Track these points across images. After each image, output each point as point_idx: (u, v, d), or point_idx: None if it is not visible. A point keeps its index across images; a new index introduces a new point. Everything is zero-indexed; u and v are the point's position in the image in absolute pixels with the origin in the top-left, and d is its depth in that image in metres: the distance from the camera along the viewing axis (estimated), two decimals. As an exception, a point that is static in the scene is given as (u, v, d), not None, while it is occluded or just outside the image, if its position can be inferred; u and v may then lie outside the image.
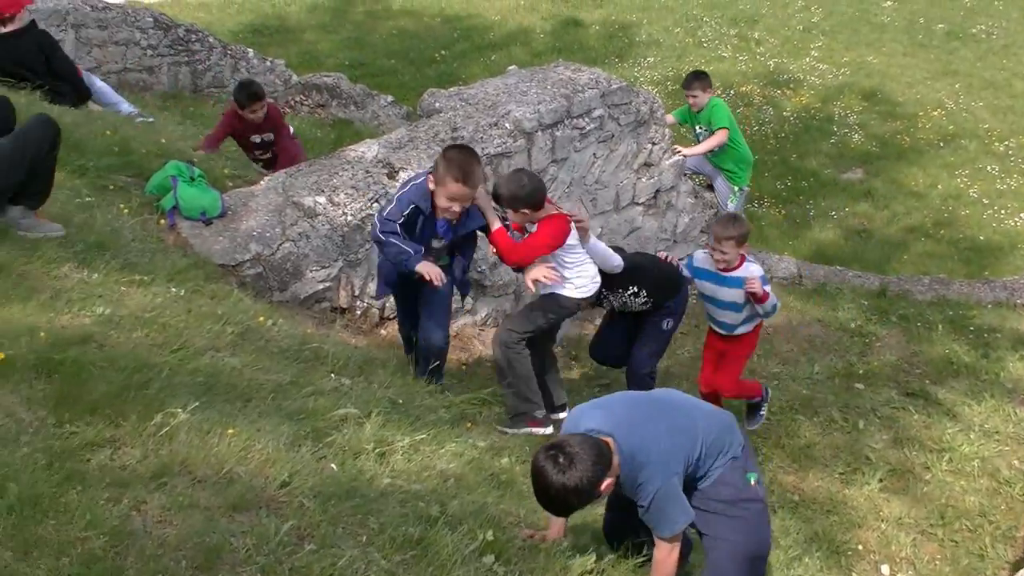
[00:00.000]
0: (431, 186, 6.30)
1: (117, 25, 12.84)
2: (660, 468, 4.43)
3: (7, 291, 5.03)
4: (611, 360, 8.12)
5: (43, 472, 3.81)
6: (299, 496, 4.11)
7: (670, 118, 10.65)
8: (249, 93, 9.49)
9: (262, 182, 7.94)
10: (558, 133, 8.93)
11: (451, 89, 9.36)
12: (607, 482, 4.32)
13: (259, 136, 9.68)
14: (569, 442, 4.25)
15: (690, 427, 4.63)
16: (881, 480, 8.00)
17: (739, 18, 20.99)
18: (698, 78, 10.81)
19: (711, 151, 10.80)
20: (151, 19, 13.18)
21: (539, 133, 8.75)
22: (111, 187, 7.33)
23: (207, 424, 4.35)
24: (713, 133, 10.66)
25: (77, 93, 9.14)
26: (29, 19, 9.07)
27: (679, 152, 10.43)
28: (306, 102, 13.95)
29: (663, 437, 4.48)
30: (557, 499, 4.23)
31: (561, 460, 4.17)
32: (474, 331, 8.64)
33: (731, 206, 10.84)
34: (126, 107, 9.92)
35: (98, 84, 10.02)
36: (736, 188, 10.97)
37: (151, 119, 9.74)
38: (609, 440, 4.39)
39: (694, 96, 10.70)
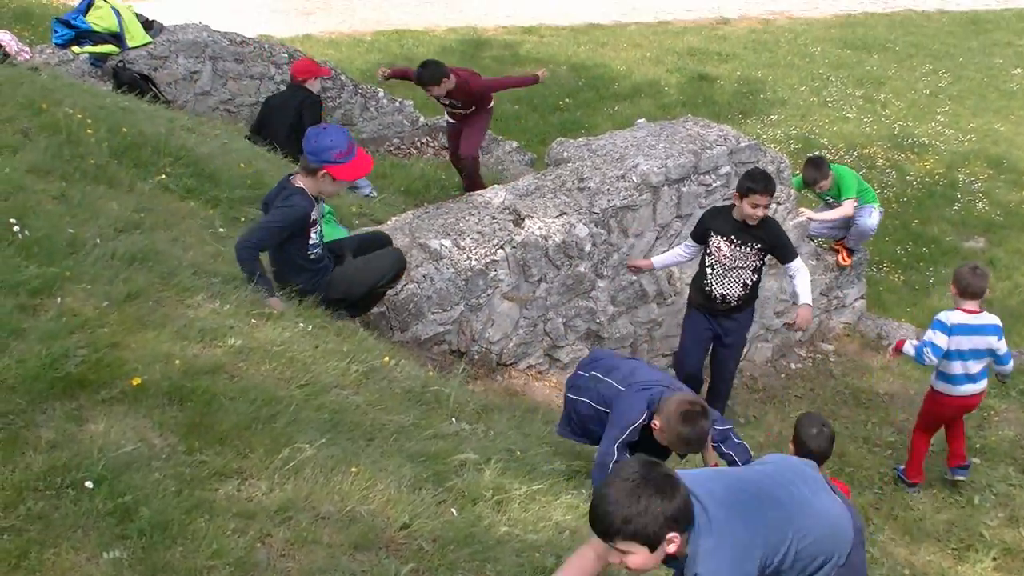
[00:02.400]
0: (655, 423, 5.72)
1: (253, 59, 13.15)
2: (727, 559, 3.66)
3: (143, 317, 5.14)
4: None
5: (173, 498, 3.88)
6: (419, 539, 4.12)
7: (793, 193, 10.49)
8: (418, 78, 10.43)
9: (390, 221, 8.05)
10: (684, 188, 8.90)
11: (579, 139, 9.39)
12: (671, 540, 3.54)
13: (447, 100, 10.65)
14: (665, 473, 3.56)
15: (782, 525, 3.88)
16: (995, 559, 7.77)
17: (865, 79, 20.75)
18: (817, 168, 10.38)
19: (838, 221, 10.66)
20: (286, 55, 13.46)
21: (665, 188, 8.73)
22: (243, 219, 7.49)
23: (332, 461, 4.40)
24: (841, 202, 10.48)
25: None
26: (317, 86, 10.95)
27: (804, 215, 10.31)
28: (432, 144, 14.09)
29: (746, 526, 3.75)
30: (600, 509, 3.49)
31: (649, 480, 3.49)
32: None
33: (876, 215, 10.75)
34: (367, 189, 10.65)
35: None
36: (876, 207, 10.77)
37: (376, 195, 10.47)
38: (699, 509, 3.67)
39: (820, 188, 10.43)
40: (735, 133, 9.66)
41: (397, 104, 14.28)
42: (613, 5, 24.53)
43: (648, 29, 23.09)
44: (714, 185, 9.13)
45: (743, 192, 7.59)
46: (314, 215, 6.35)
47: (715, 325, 8.20)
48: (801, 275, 7.94)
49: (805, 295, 7.93)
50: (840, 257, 10.94)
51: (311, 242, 6.40)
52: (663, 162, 8.79)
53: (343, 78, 14.02)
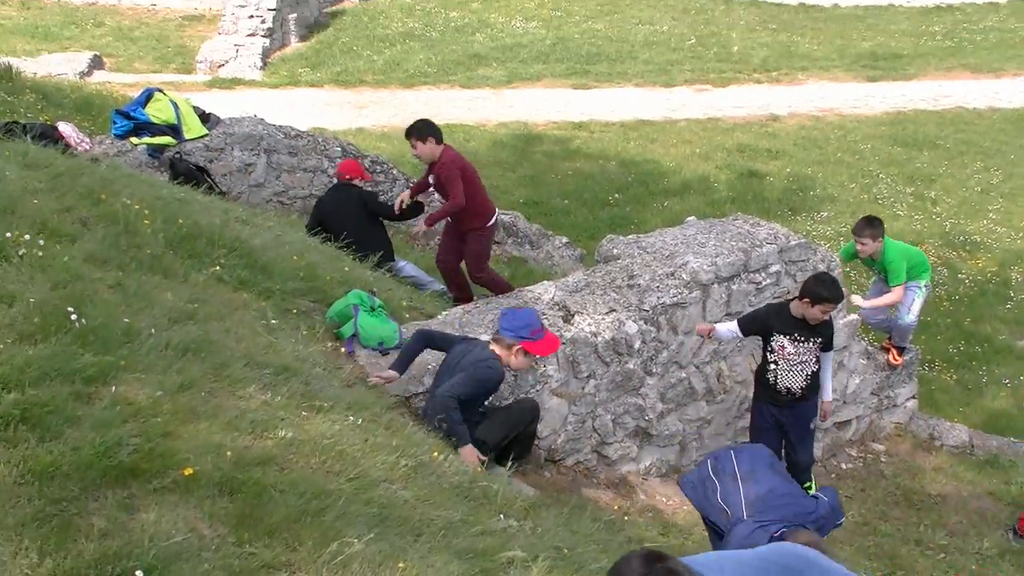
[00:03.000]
0: None
1: (307, 152, 13.39)
2: None
3: (196, 407, 5.19)
4: None
5: (223, 591, 3.90)
6: (466, 638, 4.10)
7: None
8: (406, 130, 9.92)
9: (440, 316, 8.11)
10: (734, 287, 8.91)
11: (629, 236, 9.45)
12: None
13: (430, 174, 10.03)
14: (668, 568, 3.43)
15: None
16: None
17: (916, 176, 20.75)
18: (870, 224, 10.31)
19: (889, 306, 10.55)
20: (339, 148, 13.70)
21: (715, 286, 8.75)
22: (295, 311, 7.57)
23: (380, 556, 4.40)
24: (890, 288, 10.39)
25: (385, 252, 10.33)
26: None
27: (855, 301, 10.21)
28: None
29: None
30: None
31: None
32: (637, 479, 8.57)
33: (917, 304, 10.55)
34: (436, 285, 10.73)
35: (408, 268, 10.95)
36: (921, 284, 10.57)
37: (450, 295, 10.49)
38: None
39: (863, 244, 10.27)
40: (785, 231, 9.68)
41: (447, 198, 14.47)
42: (662, 102, 24.77)
43: (698, 125, 23.28)
44: (764, 283, 9.13)
45: (815, 299, 7.88)
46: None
47: (781, 415, 8.43)
48: (830, 365, 8.51)
49: (828, 389, 8.53)
50: (890, 357, 10.86)
51: (480, 410, 7.11)
52: (713, 260, 8.81)
53: (395, 172, 14.22)
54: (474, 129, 22.37)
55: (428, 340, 7.31)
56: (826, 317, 8.05)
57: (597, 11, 31.75)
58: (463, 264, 10.26)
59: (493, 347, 7.05)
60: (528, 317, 7.03)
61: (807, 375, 8.27)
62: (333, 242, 9.89)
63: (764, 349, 8.33)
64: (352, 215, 10.55)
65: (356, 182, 10.97)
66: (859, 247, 10.35)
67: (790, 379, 8.26)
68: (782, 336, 8.13)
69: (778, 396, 8.35)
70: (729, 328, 8.34)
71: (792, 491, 6.11)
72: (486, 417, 7.15)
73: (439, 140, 9.60)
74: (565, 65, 27.10)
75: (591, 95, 25.12)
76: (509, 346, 6.98)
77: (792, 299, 8.20)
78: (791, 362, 8.20)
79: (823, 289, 7.87)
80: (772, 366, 8.27)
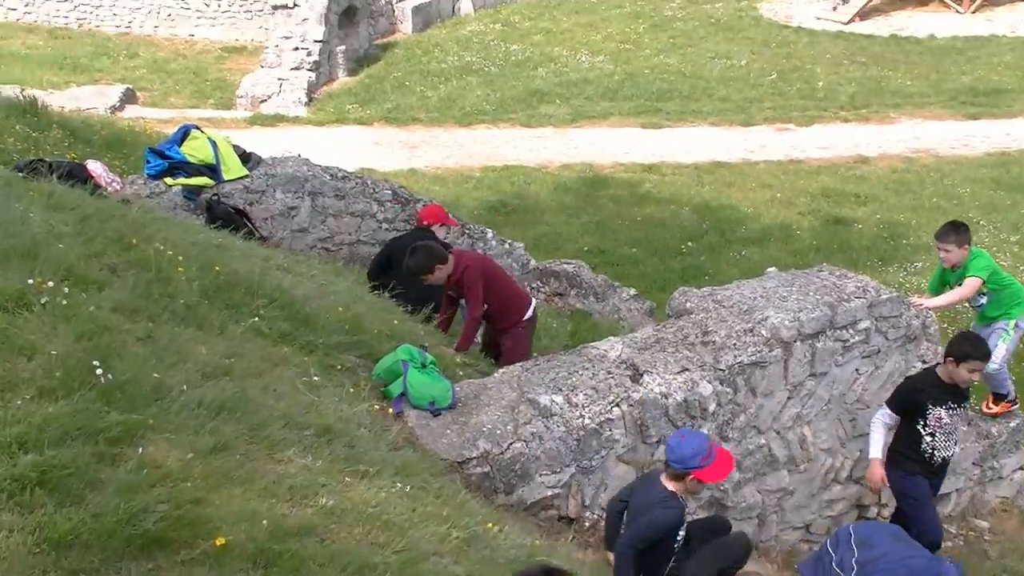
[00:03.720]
0: None
1: (355, 196, 13.46)
2: None
3: (230, 471, 5.18)
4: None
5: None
6: None
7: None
8: (405, 269, 9.66)
9: (496, 374, 8.09)
10: (819, 344, 8.81)
11: (704, 289, 9.38)
12: None
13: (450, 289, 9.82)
14: None
15: None
16: None
17: (1021, 223, 20.47)
18: (956, 230, 9.92)
19: (961, 302, 10.21)
20: (389, 192, 13.76)
21: (798, 343, 8.65)
22: (339, 367, 7.57)
23: (428, 638, 4.35)
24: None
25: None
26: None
27: (915, 302, 9.80)
28: (543, 289, 14.21)
29: None
30: None
31: None
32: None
33: (1002, 348, 10.13)
34: None
35: None
36: (1012, 324, 10.18)
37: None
38: None
39: (946, 250, 9.91)
40: (875, 284, 9.56)
41: (507, 246, 14.46)
42: (740, 142, 24.75)
43: (778, 168, 23.22)
44: (852, 341, 9.02)
45: (960, 358, 8.22)
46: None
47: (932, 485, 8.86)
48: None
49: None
50: (985, 404, 10.60)
51: (676, 545, 7.16)
52: (795, 315, 8.73)
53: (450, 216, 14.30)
54: (535, 171, 22.48)
55: (617, 505, 7.40)
56: (975, 377, 8.40)
57: (669, 45, 31.85)
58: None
59: (666, 483, 7.10)
60: (696, 444, 7.05)
61: (956, 440, 8.74)
62: (396, 288, 9.92)
63: (913, 423, 8.57)
64: None
65: (436, 229, 11.13)
66: (942, 255, 10.01)
67: (947, 449, 8.63)
68: (938, 407, 8.46)
69: (933, 467, 8.68)
70: (882, 422, 8.74)
71: (913, 554, 6.25)
72: (692, 550, 7.27)
73: (445, 259, 9.41)
74: (634, 103, 27.21)
75: (662, 135, 25.17)
76: (681, 477, 7.05)
77: (935, 365, 8.58)
78: (947, 431, 8.55)
79: (968, 347, 8.25)
80: (929, 439, 8.55)
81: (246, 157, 13.00)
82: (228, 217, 11.48)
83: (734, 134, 25.32)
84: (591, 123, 25.91)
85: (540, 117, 26.22)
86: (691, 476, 7.00)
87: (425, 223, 11.19)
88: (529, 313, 9.77)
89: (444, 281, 9.49)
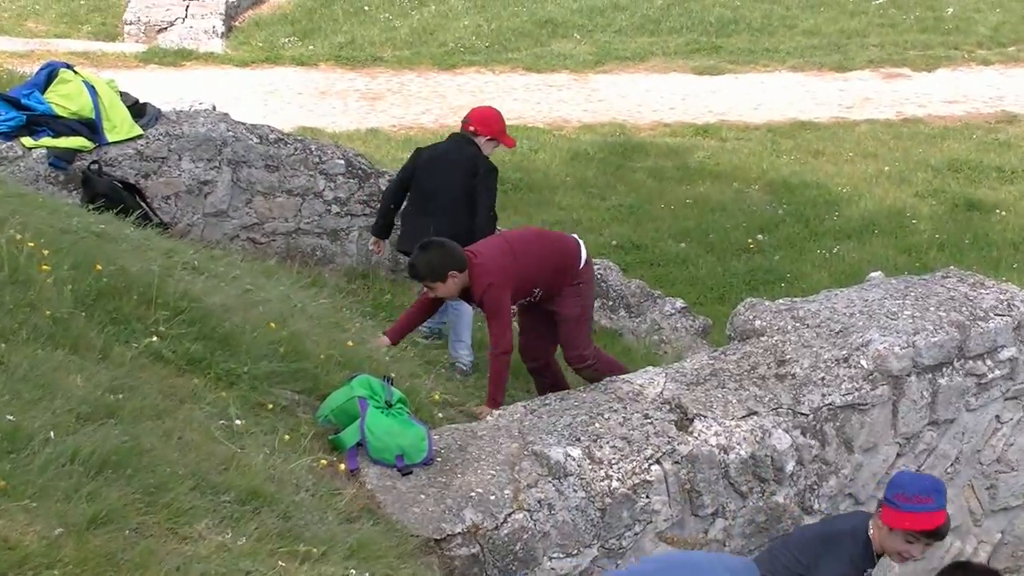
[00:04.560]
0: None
1: (293, 167, 13.43)
2: None
3: (115, 553, 5.15)
4: None
5: None
6: None
7: None
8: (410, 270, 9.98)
9: (489, 417, 8.09)
10: (943, 380, 8.82)
11: (780, 301, 9.40)
12: None
13: None
14: None
15: None
16: None
17: None
18: None
19: None
20: (342, 161, 13.71)
21: (913, 378, 8.66)
22: (270, 406, 7.57)
23: None
24: None
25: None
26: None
27: None
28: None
29: None
30: None
31: None
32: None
33: None
34: (465, 355, 11.23)
35: (465, 319, 11.36)
36: None
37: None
38: None
39: None
40: (1024, 295, 9.58)
41: (503, 237, 14.51)
42: (833, 94, 24.79)
43: (887, 130, 23.22)
44: (991, 376, 9.03)
45: None
46: None
47: None
48: None
49: None
50: None
51: None
52: (909, 339, 8.74)
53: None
54: (544, 134, 22.45)
55: None
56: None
57: (734, -43, 31.91)
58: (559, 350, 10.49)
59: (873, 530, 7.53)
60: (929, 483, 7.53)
61: None
62: (417, 213, 10.59)
63: None
64: (455, 182, 11.26)
65: (484, 142, 11.44)
66: None
67: None
68: None
69: None
70: None
71: None
72: None
73: (462, 265, 9.52)
74: (684, 38, 27.24)
75: (723, 84, 25.20)
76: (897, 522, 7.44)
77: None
78: None
79: None
80: None
81: (139, 110, 12.94)
82: (114, 194, 11.46)
83: (824, 82, 25.36)
84: (623, 67, 25.94)
85: (552, 58, 26.24)
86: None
87: (471, 129, 11.42)
88: (583, 261, 10.21)
89: (455, 296, 9.73)
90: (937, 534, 7.51)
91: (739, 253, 18.03)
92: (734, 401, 8.21)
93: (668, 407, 8.12)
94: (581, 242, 10.38)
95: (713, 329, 13.46)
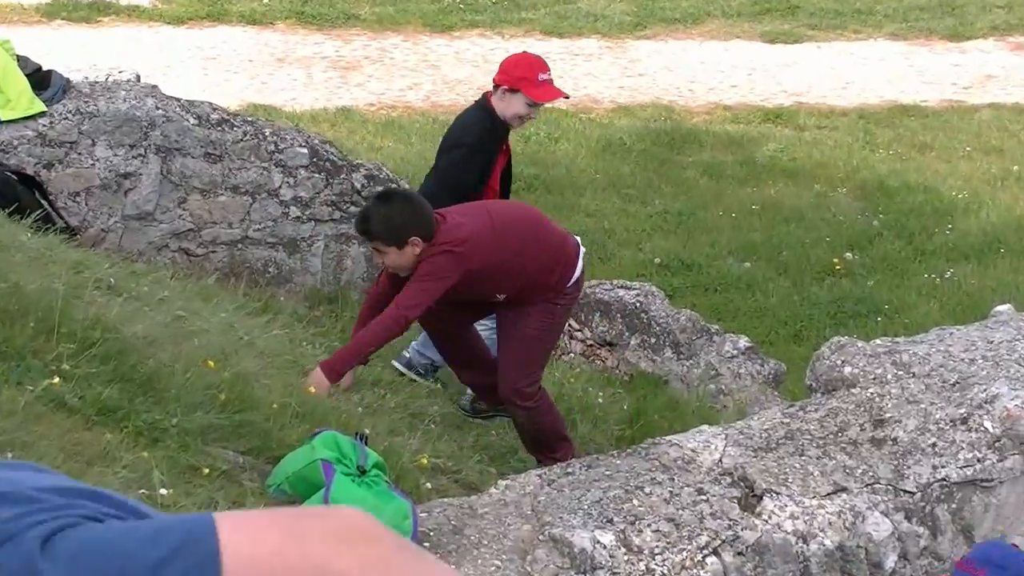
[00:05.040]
0: None
1: (241, 156, 13.43)
2: None
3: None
4: None
5: None
6: None
7: None
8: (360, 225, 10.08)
9: (493, 489, 8.04)
10: (1096, 454, 8.79)
11: (876, 341, 9.38)
12: None
13: None
14: None
15: None
16: None
17: None
18: None
19: None
20: (304, 150, 13.71)
21: (1052, 445, 8.64)
22: (206, 470, 7.55)
23: None
24: None
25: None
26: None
27: None
28: (579, 333, 14.21)
29: None
30: None
31: None
32: None
33: None
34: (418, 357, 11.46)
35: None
36: None
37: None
38: None
39: None
40: None
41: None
42: (946, 70, 24.77)
43: (1016, 118, 23.25)
44: None
45: None
46: None
47: None
48: None
49: None
50: None
51: None
52: (1049, 393, 8.71)
53: (403, 186, 14.25)
54: (568, 117, 22.50)
55: None
56: None
57: None
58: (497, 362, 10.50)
59: None
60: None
61: None
62: None
63: None
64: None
65: (505, 97, 11.38)
66: None
67: None
68: None
69: None
70: None
71: None
72: None
73: (427, 231, 9.56)
74: (750, -4, 27.34)
75: (801, 55, 25.29)
76: None
77: None
78: None
79: None
80: None
81: (41, 79, 12.97)
82: (6, 189, 11.48)
83: (934, 55, 25.45)
84: (670, 31, 26.06)
85: (578, 19, 26.34)
86: None
87: (498, 81, 11.43)
88: (574, 277, 10.26)
89: (407, 271, 9.70)
90: None
91: (821, 276, 18.08)
92: (816, 473, 8.16)
93: (729, 480, 8.07)
94: (583, 249, 10.43)
95: (788, 377, 13.46)
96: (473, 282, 9.63)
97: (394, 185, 11.73)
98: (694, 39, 25.64)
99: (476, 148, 11.44)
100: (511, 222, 9.99)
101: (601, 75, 24.16)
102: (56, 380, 7.30)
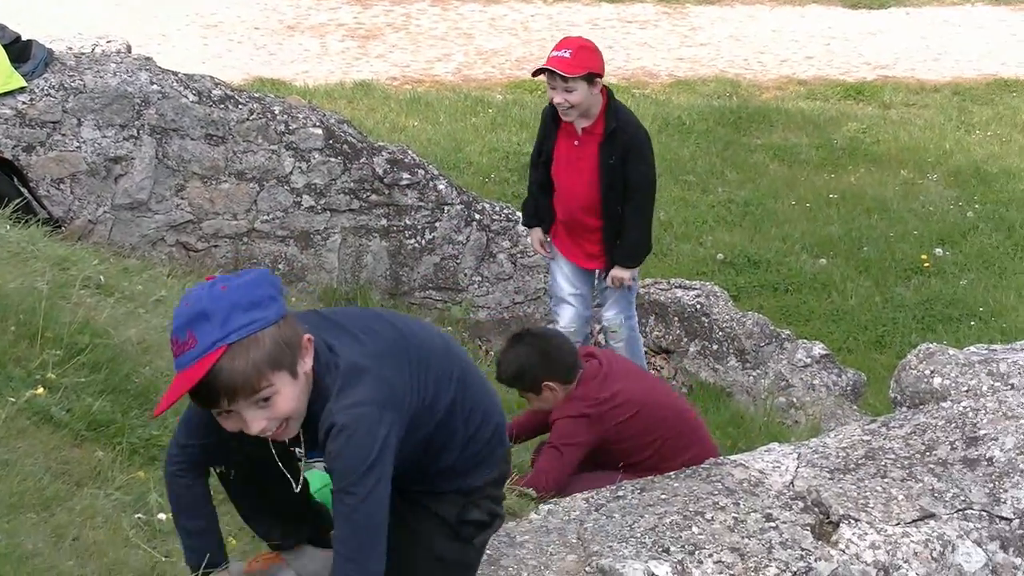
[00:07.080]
0: None
1: (250, 138, 13.46)
2: None
3: None
4: None
5: None
6: None
7: None
8: None
9: (534, 515, 8.10)
10: None
11: (970, 349, 9.41)
12: None
13: None
14: None
15: None
16: None
17: None
18: None
19: None
20: (319, 131, 13.74)
21: None
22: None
23: None
24: None
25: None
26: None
27: None
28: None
29: None
30: None
31: None
32: None
33: None
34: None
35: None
36: None
37: None
38: None
39: None
40: None
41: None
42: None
43: None
44: None
45: None
46: None
47: None
48: None
49: None
50: None
51: None
52: None
53: (441, 183, 14.28)
54: (620, 93, 22.41)
55: None
56: None
57: None
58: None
59: None
60: None
61: None
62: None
63: None
64: None
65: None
66: None
67: None
68: None
69: None
70: None
71: None
72: None
73: (568, 376, 9.60)
74: (830, -48, 27.34)
75: (887, 22, 25.27)
76: None
77: None
78: None
79: None
80: None
81: (21, 50, 13.02)
82: (-18, 176, 11.58)
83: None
84: (738, -5, 26.05)
85: (632, -22, 26.34)
86: None
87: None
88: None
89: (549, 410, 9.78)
90: None
91: (908, 275, 18.08)
92: (901, 498, 8.20)
93: (801, 505, 8.11)
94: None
95: (868, 388, 13.48)
96: (609, 450, 9.64)
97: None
98: (764, 4, 25.68)
99: (539, 132, 11.74)
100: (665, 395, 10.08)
101: (657, 45, 24.20)
102: (40, 391, 7.35)
